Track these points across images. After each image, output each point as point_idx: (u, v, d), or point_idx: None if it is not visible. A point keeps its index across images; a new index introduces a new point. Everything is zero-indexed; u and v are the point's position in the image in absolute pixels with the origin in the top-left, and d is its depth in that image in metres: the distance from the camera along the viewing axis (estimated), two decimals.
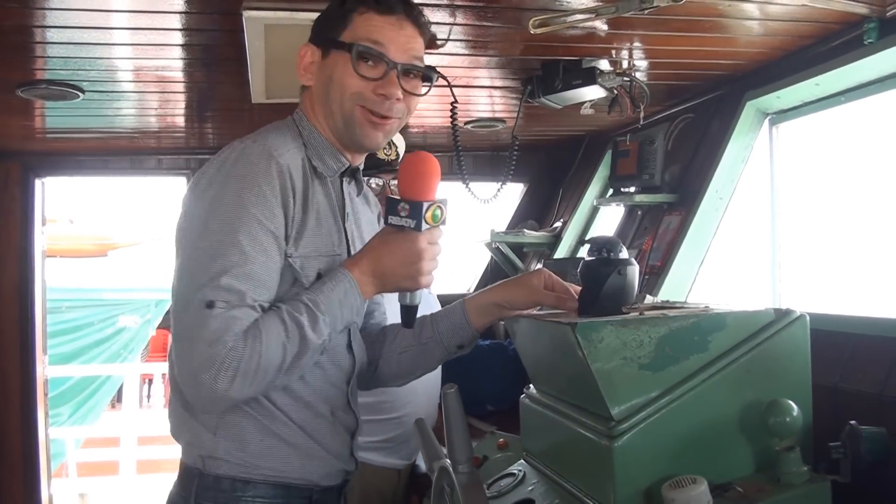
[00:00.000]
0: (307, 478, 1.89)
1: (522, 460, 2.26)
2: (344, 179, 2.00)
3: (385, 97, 1.84)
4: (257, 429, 1.83)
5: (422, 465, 3.29)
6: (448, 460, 1.81)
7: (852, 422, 1.78)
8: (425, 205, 1.74)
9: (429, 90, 1.96)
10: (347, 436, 1.99)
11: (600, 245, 2.00)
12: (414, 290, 1.83)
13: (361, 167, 2.07)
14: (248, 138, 1.80)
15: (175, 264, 1.75)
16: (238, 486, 1.82)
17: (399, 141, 3.31)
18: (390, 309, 2.21)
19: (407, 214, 1.75)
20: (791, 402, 1.73)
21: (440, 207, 1.77)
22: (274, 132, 1.87)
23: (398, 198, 1.77)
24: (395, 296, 1.89)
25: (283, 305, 1.71)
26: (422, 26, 1.90)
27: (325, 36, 1.88)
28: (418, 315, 2.06)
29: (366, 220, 2.10)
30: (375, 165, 3.13)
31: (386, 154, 3.19)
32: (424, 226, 1.75)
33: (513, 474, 2.19)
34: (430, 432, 1.94)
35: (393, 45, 1.83)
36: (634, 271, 1.96)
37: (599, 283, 1.93)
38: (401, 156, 3.33)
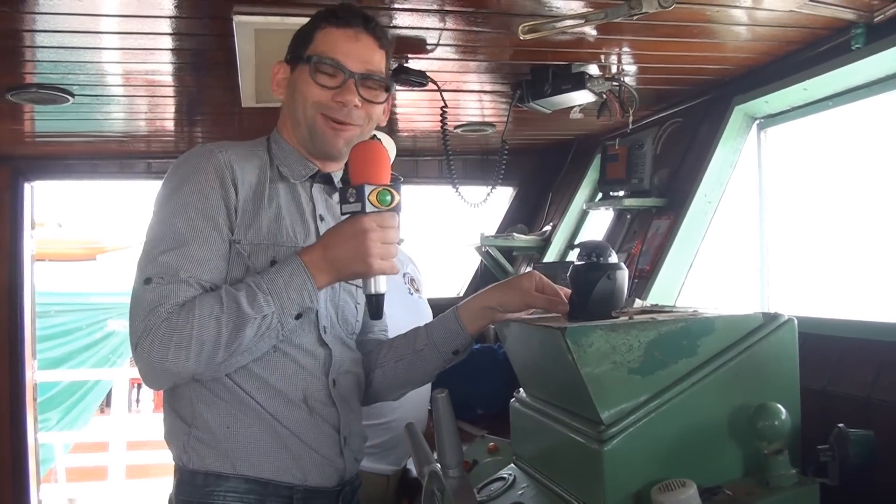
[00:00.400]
0: (285, 473, 1.90)
1: (512, 464, 2.27)
2: (315, 185, 2.08)
3: (343, 104, 1.97)
4: (225, 416, 1.88)
5: (412, 469, 3.29)
6: (438, 465, 1.81)
7: (840, 425, 1.79)
8: (368, 188, 1.78)
9: (387, 99, 2.08)
10: (333, 431, 1.99)
11: (590, 249, 2.01)
12: (367, 274, 1.83)
13: (339, 175, 2.12)
14: (199, 146, 1.97)
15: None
16: (211, 481, 1.87)
17: (390, 146, 3.29)
18: (392, 324, 2.23)
19: (354, 199, 1.80)
20: (779, 406, 1.74)
21: (389, 191, 1.82)
22: (232, 143, 2.00)
23: (347, 187, 1.82)
24: (399, 317, 1.90)
25: (225, 286, 1.80)
26: (380, 39, 2.03)
27: (293, 53, 2.05)
28: (415, 326, 2.08)
29: None
30: None
31: None
32: (370, 207, 1.79)
33: (503, 478, 2.20)
34: (421, 436, 1.95)
35: (349, 56, 1.97)
36: (624, 276, 1.97)
37: (589, 288, 1.94)
38: (391, 158, 3.32)
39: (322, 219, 2.06)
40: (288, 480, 1.91)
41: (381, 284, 1.85)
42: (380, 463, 3.10)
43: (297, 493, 1.92)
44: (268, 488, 1.89)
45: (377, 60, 2.02)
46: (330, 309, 2.03)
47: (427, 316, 3.54)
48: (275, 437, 1.89)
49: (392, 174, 2.62)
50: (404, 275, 3.35)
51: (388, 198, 1.81)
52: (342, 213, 1.83)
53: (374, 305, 1.87)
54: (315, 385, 1.96)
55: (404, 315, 3.30)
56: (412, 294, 3.49)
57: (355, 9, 2.02)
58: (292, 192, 2.02)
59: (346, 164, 1.89)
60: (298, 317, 1.83)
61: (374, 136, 3.12)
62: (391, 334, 2.65)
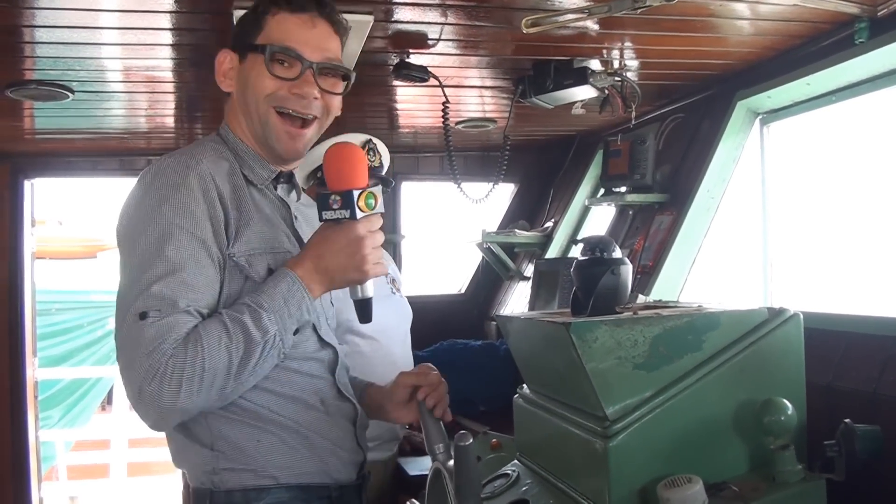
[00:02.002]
0: (321, 475, 1.87)
1: (516, 461, 2.26)
2: (279, 186, 2.01)
3: (301, 96, 1.85)
4: (251, 432, 1.80)
5: (408, 468, 3.30)
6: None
7: (847, 420, 1.79)
8: (356, 193, 1.73)
9: (346, 89, 1.96)
10: (349, 424, 1.96)
11: (593, 245, 2.00)
12: (362, 281, 1.80)
13: (296, 173, 2.08)
14: (167, 155, 1.80)
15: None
16: (251, 496, 1.79)
17: (383, 148, 3.24)
18: (378, 322, 2.20)
19: (340, 206, 1.73)
20: (785, 401, 1.73)
21: (373, 194, 1.76)
22: (194, 146, 1.88)
23: (328, 192, 1.75)
24: (383, 315, 1.88)
25: (224, 310, 1.70)
26: (336, 24, 1.91)
27: (241, 41, 1.89)
28: (398, 324, 2.05)
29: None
30: None
31: (370, 161, 3.10)
32: (360, 214, 1.73)
33: (507, 475, 2.19)
34: (431, 414, 1.96)
35: (307, 44, 1.84)
36: (628, 271, 1.97)
37: (593, 283, 1.93)
38: (384, 164, 3.27)
39: (296, 219, 2.00)
40: (325, 481, 1.87)
41: (369, 289, 1.83)
42: (374, 452, 3.09)
43: (333, 492, 1.89)
44: (309, 492, 1.85)
45: (334, 47, 1.90)
46: (319, 310, 1.97)
47: (408, 315, 3.53)
48: (305, 443, 1.85)
49: (374, 171, 2.58)
50: (386, 275, 3.33)
51: (373, 201, 1.76)
52: (322, 220, 1.76)
53: (365, 309, 1.84)
54: (324, 386, 1.92)
55: (389, 314, 3.30)
56: (394, 294, 3.48)
57: None
58: (263, 194, 1.93)
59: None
60: (297, 332, 1.78)
61: (370, 140, 3.10)
62: (377, 335, 2.62)
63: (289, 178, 2.03)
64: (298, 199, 2.08)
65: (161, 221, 1.69)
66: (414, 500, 2.18)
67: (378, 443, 3.08)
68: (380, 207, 1.78)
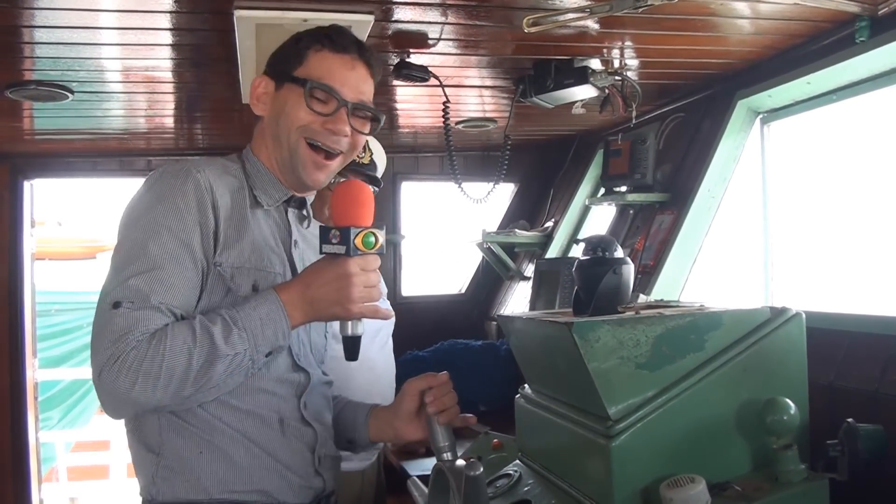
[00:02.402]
0: (259, 493, 1.85)
1: (518, 461, 2.25)
2: (289, 209, 2.04)
3: (333, 132, 1.91)
4: (196, 442, 1.80)
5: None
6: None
7: (850, 419, 1.78)
8: (354, 230, 1.75)
9: (374, 131, 2.03)
10: (306, 450, 1.94)
11: (595, 244, 2.00)
12: (346, 318, 1.80)
13: (310, 200, 2.12)
14: (175, 162, 1.87)
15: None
16: None
17: (375, 146, 3.20)
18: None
19: (338, 241, 1.76)
20: (788, 401, 1.73)
21: (374, 234, 1.78)
22: (207, 160, 1.92)
23: (330, 226, 1.78)
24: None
25: (199, 316, 1.72)
26: (372, 67, 1.98)
27: (280, 69, 1.95)
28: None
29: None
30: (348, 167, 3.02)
31: (359, 157, 3.08)
32: (355, 251, 1.75)
33: (509, 475, 2.18)
34: (435, 421, 1.96)
35: (345, 84, 1.91)
36: (630, 270, 1.96)
37: (595, 283, 1.92)
38: (377, 164, 3.21)
39: (296, 244, 2.02)
40: (262, 500, 1.85)
41: (358, 327, 1.83)
42: (350, 462, 3.06)
43: None
44: None
45: (368, 90, 1.97)
46: (303, 336, 1.99)
47: (390, 319, 3.43)
48: (249, 458, 1.83)
49: (363, 168, 2.59)
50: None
51: (372, 240, 1.77)
52: (322, 252, 1.79)
53: (351, 347, 1.85)
54: (288, 407, 1.91)
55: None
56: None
57: (349, 34, 1.98)
58: (267, 216, 1.97)
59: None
60: (268, 355, 1.77)
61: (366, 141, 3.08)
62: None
63: (300, 205, 2.07)
64: (308, 226, 2.11)
65: (150, 220, 1.75)
66: (415, 478, 2.19)
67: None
68: (381, 249, 1.79)
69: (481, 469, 1.72)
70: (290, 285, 1.80)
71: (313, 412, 1.98)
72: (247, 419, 1.84)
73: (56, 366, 9.29)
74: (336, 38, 1.93)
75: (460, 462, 1.81)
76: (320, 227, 1.81)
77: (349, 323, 1.82)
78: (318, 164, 1.94)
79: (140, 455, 1.84)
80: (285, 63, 1.94)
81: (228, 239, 1.82)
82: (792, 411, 1.72)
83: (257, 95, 1.98)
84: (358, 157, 3.03)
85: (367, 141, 3.03)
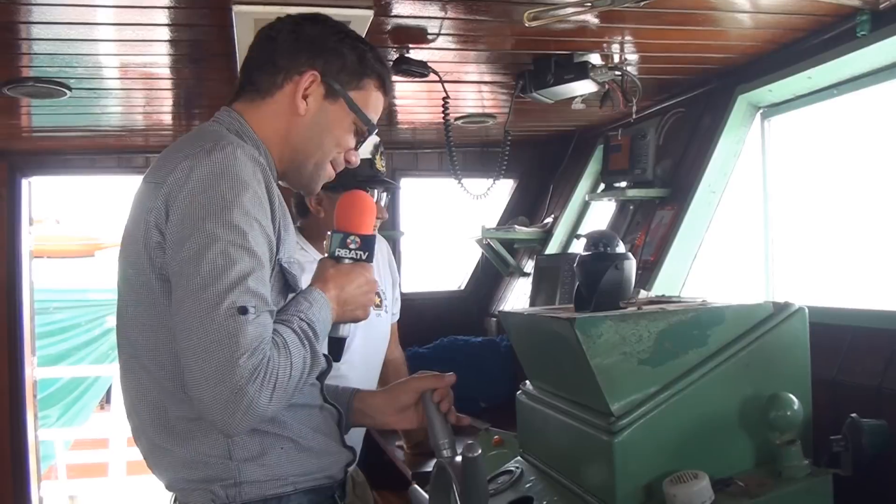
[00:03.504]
0: (327, 474, 1.87)
1: (519, 457, 2.25)
2: None
3: (349, 162, 1.95)
4: (270, 438, 1.77)
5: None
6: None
7: (853, 415, 1.78)
8: (372, 238, 1.86)
9: None
10: (336, 427, 1.96)
11: (596, 240, 1.99)
12: (360, 320, 1.88)
13: None
14: (222, 139, 1.68)
15: (171, 269, 1.61)
16: None
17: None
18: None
19: (358, 247, 1.83)
20: (792, 396, 1.72)
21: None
22: (236, 138, 1.77)
23: (347, 231, 1.84)
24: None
25: (292, 318, 1.66)
26: None
27: (339, 80, 1.87)
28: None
29: None
30: (370, 177, 2.98)
31: (383, 166, 3.08)
32: (370, 258, 1.86)
33: (510, 471, 2.18)
34: (435, 408, 1.97)
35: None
36: (631, 266, 1.96)
37: (596, 278, 1.92)
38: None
39: None
40: (328, 482, 1.87)
41: (348, 329, 1.89)
42: None
43: (336, 490, 1.91)
44: (320, 494, 1.85)
45: None
46: None
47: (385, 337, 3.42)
48: (312, 441, 1.83)
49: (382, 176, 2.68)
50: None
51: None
52: (335, 256, 1.83)
53: (339, 348, 1.90)
54: (317, 392, 1.92)
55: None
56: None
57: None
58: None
59: (366, 168, 1.86)
60: None
61: (380, 141, 3.07)
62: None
63: None
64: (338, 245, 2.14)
65: (243, 212, 1.58)
66: (416, 487, 2.18)
67: None
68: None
69: (479, 451, 1.72)
70: (327, 287, 1.78)
71: (329, 391, 2.00)
72: (302, 410, 1.84)
73: (54, 364, 9.30)
74: (389, 84, 1.98)
75: (460, 458, 1.81)
76: (333, 231, 1.84)
77: (346, 326, 1.87)
78: (327, 178, 1.96)
79: (199, 462, 1.73)
80: (345, 76, 1.87)
81: (281, 231, 1.74)
82: (795, 407, 1.71)
83: (303, 92, 1.83)
84: (382, 166, 3.04)
85: (382, 146, 3.05)
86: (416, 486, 2.17)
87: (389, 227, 5.21)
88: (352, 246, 1.82)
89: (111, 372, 9.53)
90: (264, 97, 1.86)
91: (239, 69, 2.09)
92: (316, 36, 1.86)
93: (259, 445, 1.74)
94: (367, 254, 1.82)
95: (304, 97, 1.84)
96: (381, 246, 3.31)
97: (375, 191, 2.99)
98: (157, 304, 1.66)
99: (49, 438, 8.14)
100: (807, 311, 1.87)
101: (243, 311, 1.51)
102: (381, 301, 3.22)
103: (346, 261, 1.83)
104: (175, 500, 1.83)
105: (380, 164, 3.04)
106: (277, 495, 1.76)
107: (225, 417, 1.50)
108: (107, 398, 9.90)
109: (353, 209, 1.86)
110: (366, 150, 2.91)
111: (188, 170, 1.61)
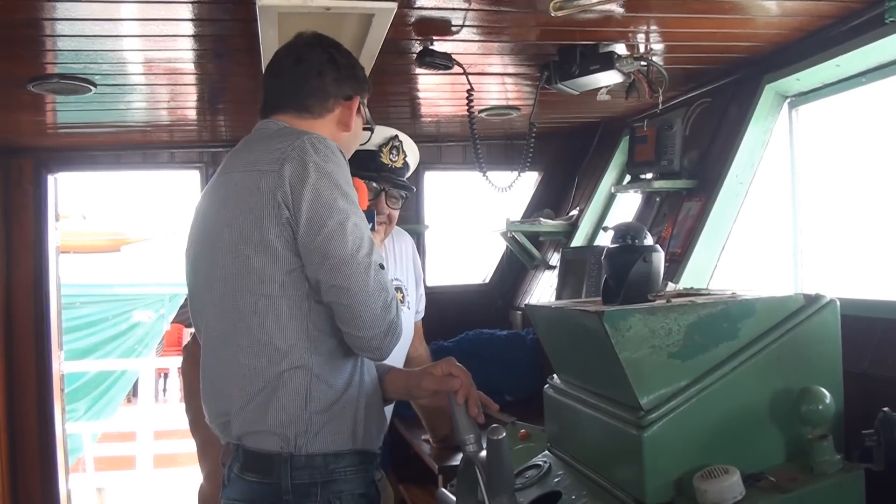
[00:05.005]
0: (374, 441, 2.06)
1: (547, 451, 2.23)
2: None
3: None
4: (338, 397, 1.98)
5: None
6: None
7: (886, 409, 1.75)
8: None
9: None
10: (380, 398, 2.16)
11: (624, 232, 1.97)
12: None
13: None
14: (313, 133, 2.03)
15: (312, 242, 1.89)
16: (330, 460, 1.94)
17: (410, 146, 3.09)
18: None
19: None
20: (824, 390, 1.70)
21: None
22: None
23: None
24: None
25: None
26: None
27: (364, 99, 2.29)
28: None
29: None
30: (378, 169, 2.94)
31: (392, 160, 3.00)
32: None
33: (538, 465, 2.17)
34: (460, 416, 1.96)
35: None
36: (660, 258, 1.94)
37: (625, 271, 1.90)
38: (410, 165, 3.10)
39: None
40: (375, 448, 2.07)
41: None
42: None
43: (378, 457, 2.11)
44: (368, 456, 2.03)
45: None
46: None
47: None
48: (368, 413, 2.02)
49: (397, 172, 2.96)
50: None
51: None
52: None
53: None
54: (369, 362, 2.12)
55: None
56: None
57: None
58: None
59: (372, 160, 2.40)
60: None
61: (396, 136, 3.03)
62: None
63: None
64: None
65: (350, 187, 1.98)
66: (444, 490, 2.17)
67: None
68: None
69: (503, 434, 1.74)
70: None
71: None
72: (367, 376, 2.07)
73: (81, 358, 9.37)
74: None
75: (485, 453, 1.80)
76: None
77: None
78: None
79: (278, 409, 1.93)
80: (364, 93, 2.29)
81: None
82: (827, 401, 1.69)
83: (355, 115, 2.23)
84: (391, 160, 2.98)
85: (400, 141, 3.01)
86: (443, 489, 2.16)
87: (413, 221, 5.21)
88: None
89: (138, 366, 9.61)
90: (316, 118, 2.18)
91: (265, 70, 2.20)
92: (349, 65, 2.23)
93: (328, 398, 1.96)
94: (371, 224, 2.05)
95: (353, 119, 2.23)
96: (405, 243, 3.29)
97: (373, 183, 2.92)
98: (277, 274, 1.93)
99: (77, 432, 8.22)
100: (838, 303, 1.85)
101: (381, 266, 1.92)
102: (403, 297, 3.20)
103: None
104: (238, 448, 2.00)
105: (387, 158, 2.98)
106: (337, 451, 1.96)
107: (385, 343, 1.93)
108: (134, 392, 9.98)
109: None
110: (374, 143, 2.88)
111: (302, 155, 1.93)
